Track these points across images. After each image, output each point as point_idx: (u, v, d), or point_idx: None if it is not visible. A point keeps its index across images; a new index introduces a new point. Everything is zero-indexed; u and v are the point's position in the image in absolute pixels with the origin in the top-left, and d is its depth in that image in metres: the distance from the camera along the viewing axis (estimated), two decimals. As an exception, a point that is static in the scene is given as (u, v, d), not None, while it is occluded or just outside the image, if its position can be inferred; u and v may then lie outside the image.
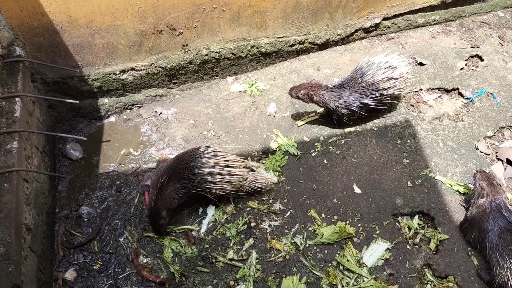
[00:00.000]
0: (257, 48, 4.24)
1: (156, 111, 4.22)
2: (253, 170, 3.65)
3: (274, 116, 4.09)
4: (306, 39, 4.37)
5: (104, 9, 3.47)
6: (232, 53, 4.19)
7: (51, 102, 3.88)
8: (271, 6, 3.94)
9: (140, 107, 4.26)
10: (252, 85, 4.34)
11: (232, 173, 3.32)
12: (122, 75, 3.97)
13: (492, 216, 2.99)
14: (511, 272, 2.77)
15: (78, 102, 3.78)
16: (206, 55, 4.10)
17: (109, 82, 3.99)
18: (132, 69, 3.97)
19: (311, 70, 4.41)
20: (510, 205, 3.39)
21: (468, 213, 3.18)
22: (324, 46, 4.50)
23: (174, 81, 4.22)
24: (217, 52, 4.12)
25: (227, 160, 3.33)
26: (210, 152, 3.30)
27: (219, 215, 3.47)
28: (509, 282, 2.78)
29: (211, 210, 3.51)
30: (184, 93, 4.33)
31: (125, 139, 4.05)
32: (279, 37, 4.26)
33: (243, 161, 3.49)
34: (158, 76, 4.11)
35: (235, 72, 4.40)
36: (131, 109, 4.25)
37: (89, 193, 3.66)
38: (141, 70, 4.00)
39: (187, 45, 3.97)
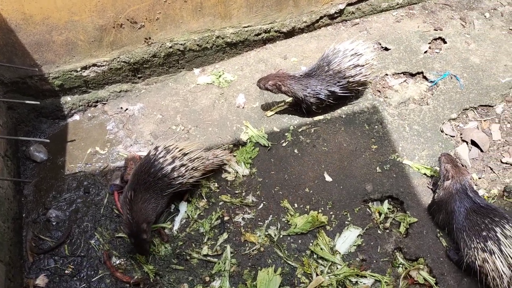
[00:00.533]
0: (223, 38, 4.17)
1: (121, 107, 4.11)
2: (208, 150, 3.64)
3: (243, 108, 4.05)
4: (272, 28, 4.32)
5: (60, 4, 3.33)
6: (197, 45, 4.11)
7: (11, 104, 3.73)
8: (233, -5, 3.87)
9: (104, 103, 4.15)
10: (220, 76, 4.28)
11: (193, 158, 3.31)
12: (84, 71, 3.85)
13: (458, 198, 3.07)
14: (477, 252, 2.86)
15: (38, 102, 3.64)
16: (171, 47, 4.01)
17: (70, 80, 3.85)
18: (94, 65, 3.85)
19: (278, 59, 4.38)
20: (475, 185, 3.50)
21: (435, 195, 3.26)
22: (290, 34, 4.48)
23: (139, 75, 4.12)
24: (181, 44, 4.03)
25: (181, 149, 3.30)
26: (162, 151, 3.26)
27: (191, 211, 3.44)
28: (476, 262, 2.87)
29: (183, 207, 3.47)
30: (150, 87, 4.23)
31: (91, 137, 3.94)
32: (245, 27, 4.20)
33: (195, 144, 3.46)
34: (121, 71, 4.00)
35: (202, 64, 4.33)
36: (95, 106, 4.13)
37: (57, 196, 3.57)
38: (103, 65, 3.88)
39: (150, 38, 3.87)
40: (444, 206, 3.15)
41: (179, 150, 3.29)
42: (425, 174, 3.53)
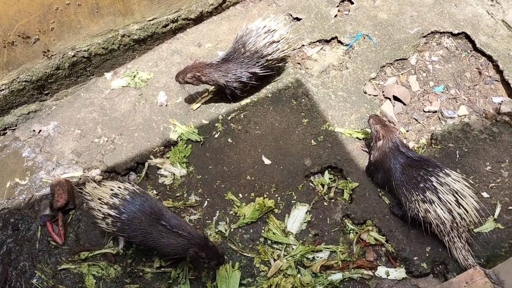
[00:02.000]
0: (129, 36, 3.91)
1: (34, 130, 3.76)
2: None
3: (166, 105, 3.87)
4: (179, 16, 4.12)
5: None
6: (103, 48, 3.82)
7: None
8: (131, -11, 3.61)
9: (14, 129, 3.77)
10: (135, 76, 4.03)
11: None
12: (-19, 100, 3.45)
13: (392, 155, 3.17)
14: (418, 204, 2.99)
15: None
16: (74, 56, 3.69)
17: (-33, 112, 3.45)
18: (-8, 90, 3.46)
19: (192, 47, 4.20)
20: (405, 139, 3.64)
21: (371, 157, 3.34)
22: (200, 19, 4.29)
23: (46, 92, 3.77)
24: (85, 51, 3.73)
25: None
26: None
27: (134, 225, 3.27)
28: (419, 213, 3.00)
29: (125, 222, 3.29)
30: (60, 102, 3.90)
31: (7, 169, 3.59)
32: (150, 20, 3.96)
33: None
34: (25, 91, 3.63)
35: (112, 67, 4.05)
36: (4, 134, 3.75)
37: (-18, 241, 3.23)
38: (3, 89, 3.50)
39: (48, 50, 3.53)
40: (381, 165, 3.24)
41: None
42: (357, 138, 3.60)
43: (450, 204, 2.90)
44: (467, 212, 2.90)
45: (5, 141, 3.73)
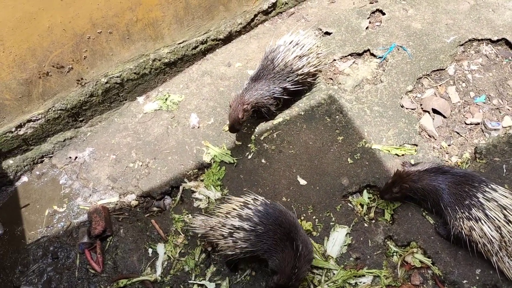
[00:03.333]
0: (159, 60, 3.93)
1: (70, 157, 3.82)
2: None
3: (198, 127, 3.85)
4: (208, 37, 4.11)
5: (-27, 68, 3.00)
6: (135, 73, 3.85)
7: None
8: (161, 14, 3.62)
9: (51, 157, 3.83)
10: (166, 99, 4.04)
11: None
12: (20, 130, 3.52)
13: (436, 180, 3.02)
14: (463, 221, 2.84)
15: (-24, 177, 3.32)
16: (107, 82, 3.73)
17: (7, 142, 3.52)
18: (29, 120, 3.52)
19: (222, 67, 4.18)
20: (447, 154, 3.48)
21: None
22: (228, 39, 4.28)
23: (80, 119, 3.83)
24: (117, 77, 3.76)
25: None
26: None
27: (171, 250, 3.24)
28: (463, 231, 2.85)
29: (161, 248, 3.27)
30: (95, 128, 3.95)
31: (46, 197, 3.64)
32: (179, 43, 3.97)
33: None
34: (60, 120, 3.69)
35: (144, 91, 4.08)
36: (42, 162, 3.82)
37: (24, 270, 3.27)
38: (39, 119, 3.56)
39: (82, 78, 3.58)
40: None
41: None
42: (396, 154, 3.47)
43: (499, 221, 2.73)
44: None
45: (42, 169, 3.79)
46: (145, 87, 4.05)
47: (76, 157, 3.82)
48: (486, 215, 2.76)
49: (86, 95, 3.68)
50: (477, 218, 2.78)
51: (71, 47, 3.32)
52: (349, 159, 3.50)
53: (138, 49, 3.75)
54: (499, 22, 4.07)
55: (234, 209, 2.92)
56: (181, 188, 3.53)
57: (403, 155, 3.45)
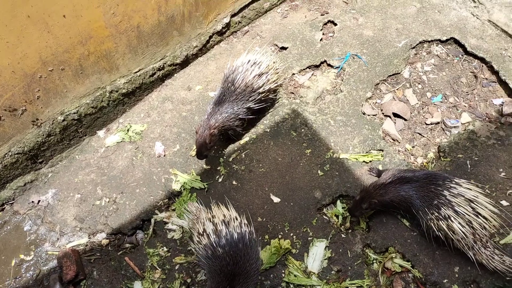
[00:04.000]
0: (117, 91, 3.83)
1: (33, 201, 3.63)
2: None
3: (164, 156, 3.76)
4: (165, 63, 4.05)
5: None
6: (92, 107, 3.74)
7: None
8: (113, 45, 3.54)
9: (12, 203, 3.64)
10: (128, 130, 3.94)
11: None
12: (-26, 180, 3.34)
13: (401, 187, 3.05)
14: (435, 222, 2.87)
15: None
16: (64, 120, 3.60)
17: (-39, 195, 3.33)
18: (-16, 169, 3.35)
19: (182, 92, 4.12)
20: (412, 155, 3.55)
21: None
22: (186, 63, 4.23)
23: (40, 160, 3.66)
24: (74, 113, 3.64)
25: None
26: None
27: (149, 287, 3.13)
28: (439, 232, 2.89)
29: (138, 286, 3.15)
30: (56, 168, 3.78)
31: (10, 246, 3.44)
32: (136, 72, 3.89)
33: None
34: (19, 164, 3.52)
35: (104, 124, 3.96)
36: (2, 210, 3.61)
37: (-8, 328, 3.08)
38: (-5, 165, 3.39)
39: (37, 119, 3.44)
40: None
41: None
42: (364, 161, 3.50)
43: (468, 216, 2.79)
44: (487, 219, 2.79)
45: (4, 217, 3.59)
46: (104, 120, 3.94)
47: (39, 201, 3.65)
48: (456, 211, 2.81)
49: (43, 135, 3.53)
50: (447, 216, 2.83)
51: (22, 88, 3.18)
52: (319, 171, 3.51)
53: (94, 82, 3.64)
54: (445, 22, 4.23)
55: (218, 217, 2.91)
56: (152, 220, 3.42)
57: (370, 161, 3.50)
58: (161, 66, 4.05)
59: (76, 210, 3.55)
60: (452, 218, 2.81)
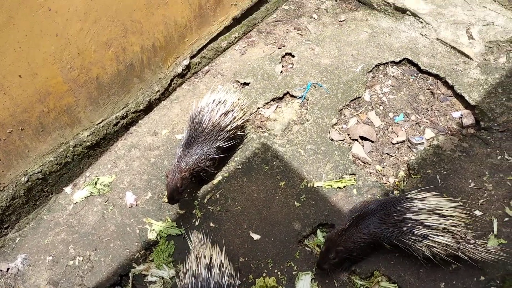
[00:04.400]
0: (81, 145, 3.73)
1: (1, 270, 3.42)
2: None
3: (136, 205, 3.66)
4: (128, 111, 4.00)
5: None
6: (56, 164, 3.62)
7: None
8: (73, 100, 3.47)
9: (-23, 275, 3.43)
10: (96, 183, 3.82)
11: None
12: None
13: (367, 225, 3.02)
14: (417, 245, 2.86)
15: None
16: (28, 181, 3.45)
17: None
18: None
19: (148, 137, 4.06)
20: (383, 176, 3.61)
21: None
22: (149, 108, 4.19)
23: (5, 225, 3.48)
24: (38, 172, 3.51)
25: None
26: None
27: None
28: (426, 252, 2.88)
29: None
30: (24, 231, 3.60)
31: (-22, 323, 3.22)
32: (99, 123, 3.82)
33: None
34: (-18, 232, 3.34)
35: (70, 180, 3.83)
36: (-33, 284, 3.39)
37: None
38: (-44, 238, 3.20)
39: (-1, 183, 3.30)
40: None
41: None
42: (338, 187, 3.53)
43: (440, 224, 2.82)
44: (454, 216, 2.86)
45: (-31, 291, 3.37)
46: (70, 176, 3.81)
47: (8, 269, 3.44)
48: (428, 226, 2.83)
49: (7, 199, 3.37)
50: (424, 235, 2.85)
51: (-20, 154, 3.06)
52: (296, 203, 3.50)
53: (56, 138, 3.54)
54: (397, 44, 4.41)
55: (205, 258, 2.88)
56: (130, 275, 3.29)
57: (344, 186, 3.52)
58: (125, 114, 3.99)
59: (49, 274, 3.37)
60: (429, 234, 2.84)
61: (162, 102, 4.30)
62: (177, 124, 4.13)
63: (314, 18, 4.90)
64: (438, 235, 2.81)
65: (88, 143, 3.78)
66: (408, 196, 2.97)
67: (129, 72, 3.82)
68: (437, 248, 2.84)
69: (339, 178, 3.57)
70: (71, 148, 3.68)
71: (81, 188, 3.82)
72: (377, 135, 3.85)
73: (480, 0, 4.53)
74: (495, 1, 4.47)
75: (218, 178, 3.73)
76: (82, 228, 3.58)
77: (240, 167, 3.76)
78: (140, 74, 3.95)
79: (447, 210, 2.86)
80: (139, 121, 4.19)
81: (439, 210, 2.86)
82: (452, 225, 2.83)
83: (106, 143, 3.97)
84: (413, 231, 2.85)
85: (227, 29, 4.58)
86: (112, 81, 3.71)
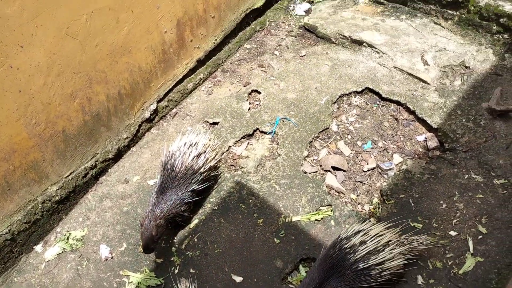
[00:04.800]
0: (49, 200, 3.61)
1: None
2: None
3: (112, 258, 3.54)
4: (97, 161, 3.92)
5: None
6: (25, 222, 3.47)
7: None
8: (40, 155, 3.38)
9: None
10: (68, 238, 3.68)
11: None
12: None
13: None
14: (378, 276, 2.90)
15: None
16: (-5, 243, 3.30)
17: None
18: None
19: (120, 186, 3.98)
20: (359, 204, 3.66)
21: None
22: (119, 156, 4.13)
23: (-29, 294, 3.29)
24: (6, 233, 3.35)
25: None
26: None
27: None
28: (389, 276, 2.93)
29: None
30: (-8, 298, 3.41)
31: None
32: (67, 176, 3.72)
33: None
34: None
35: (41, 237, 3.67)
36: None
37: None
38: None
39: (-37, 249, 3.12)
40: None
41: None
42: (316, 220, 3.54)
43: (376, 248, 2.87)
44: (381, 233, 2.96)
45: None
46: (40, 233, 3.66)
47: None
48: (375, 256, 2.85)
49: (-28, 265, 3.20)
50: (378, 264, 2.86)
51: None
52: (275, 239, 3.47)
53: (23, 196, 3.42)
54: (357, 75, 4.57)
55: None
56: (112, 332, 3.15)
57: (322, 218, 3.54)
58: (93, 165, 3.91)
59: None
60: (384, 262, 2.87)
61: (131, 149, 4.24)
62: (148, 169, 4.08)
63: (276, 54, 5.02)
64: (387, 259, 2.86)
65: (57, 198, 3.66)
66: (338, 237, 2.99)
67: (96, 122, 3.77)
68: (395, 269, 2.91)
69: (316, 210, 3.60)
70: (39, 205, 3.55)
71: (52, 245, 3.67)
72: (348, 164, 3.92)
73: (430, 28, 4.79)
74: (444, 28, 4.74)
75: (195, 221, 3.68)
76: (56, 287, 3.42)
77: (216, 208, 3.73)
78: (107, 123, 3.90)
79: (374, 229, 2.96)
80: (109, 170, 4.10)
81: (370, 238, 2.90)
82: (386, 240, 2.92)
83: (75, 196, 3.86)
84: (369, 273, 2.85)
85: (192, 71, 4.63)
86: (79, 132, 3.65)
